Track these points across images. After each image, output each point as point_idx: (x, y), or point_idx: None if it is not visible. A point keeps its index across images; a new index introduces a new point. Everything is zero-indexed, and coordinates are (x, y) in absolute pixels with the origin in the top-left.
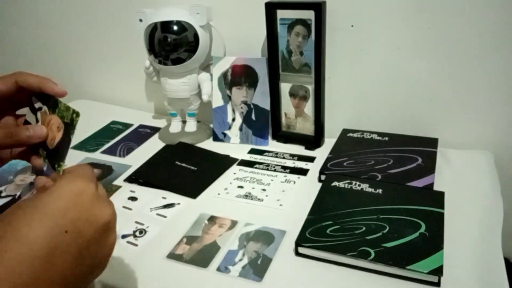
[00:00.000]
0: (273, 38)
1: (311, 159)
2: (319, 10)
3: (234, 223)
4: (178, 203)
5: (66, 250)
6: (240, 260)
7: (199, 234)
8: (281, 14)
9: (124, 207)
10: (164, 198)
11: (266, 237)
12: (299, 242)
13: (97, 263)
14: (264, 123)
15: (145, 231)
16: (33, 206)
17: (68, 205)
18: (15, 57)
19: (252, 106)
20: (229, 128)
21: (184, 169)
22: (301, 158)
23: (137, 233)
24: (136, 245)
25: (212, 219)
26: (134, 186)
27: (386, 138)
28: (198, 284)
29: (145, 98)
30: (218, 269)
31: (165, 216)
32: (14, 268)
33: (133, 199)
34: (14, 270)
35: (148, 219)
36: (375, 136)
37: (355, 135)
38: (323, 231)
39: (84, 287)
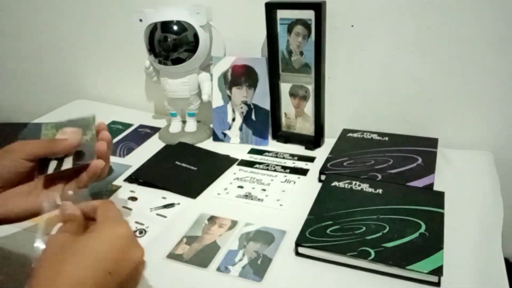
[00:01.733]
0: (273, 38)
1: (311, 159)
2: (319, 10)
3: (234, 223)
4: (178, 203)
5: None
6: (240, 260)
7: (199, 234)
8: (281, 14)
9: (124, 207)
10: (164, 198)
11: (266, 237)
12: (299, 242)
13: None
14: (264, 123)
15: (145, 231)
16: (82, 252)
17: (111, 248)
18: (16, 57)
19: (252, 106)
20: (229, 128)
21: (184, 169)
22: (301, 158)
23: (137, 233)
24: None
25: (212, 219)
26: (134, 186)
27: (386, 138)
28: (198, 284)
29: (145, 98)
30: (218, 269)
31: (165, 216)
32: None
33: (133, 199)
34: None
35: (148, 219)
36: (375, 136)
37: (355, 135)
38: (323, 231)
39: None
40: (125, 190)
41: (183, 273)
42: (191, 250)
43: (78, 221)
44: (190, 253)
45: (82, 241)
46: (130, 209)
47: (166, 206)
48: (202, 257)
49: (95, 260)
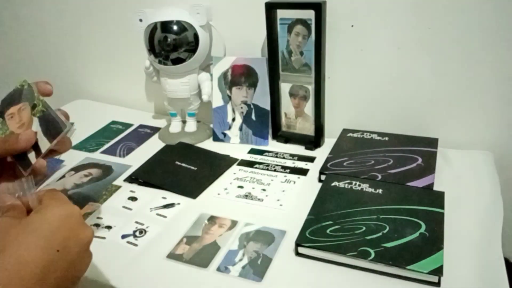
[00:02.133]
0: (273, 38)
1: (311, 159)
2: (319, 10)
3: (234, 223)
4: (178, 203)
5: (57, 266)
6: (240, 260)
7: (199, 234)
8: (281, 14)
9: (124, 207)
10: (164, 198)
11: (266, 237)
12: (299, 242)
13: (78, 277)
14: (264, 123)
15: (145, 231)
16: (29, 230)
17: (59, 227)
18: (15, 57)
19: (252, 106)
20: (229, 128)
21: (184, 169)
22: (301, 158)
23: (137, 233)
24: (136, 245)
25: (212, 219)
26: (134, 186)
27: (386, 138)
28: (198, 284)
29: (145, 98)
30: (218, 269)
31: (165, 216)
32: (13, 285)
33: (133, 199)
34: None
35: (148, 219)
36: (375, 136)
37: (355, 135)
38: (323, 231)
39: None
40: (125, 190)
41: (183, 273)
42: (191, 250)
43: (20, 208)
44: (190, 253)
45: (27, 220)
46: (130, 209)
47: (166, 206)
48: (202, 257)
49: (42, 238)
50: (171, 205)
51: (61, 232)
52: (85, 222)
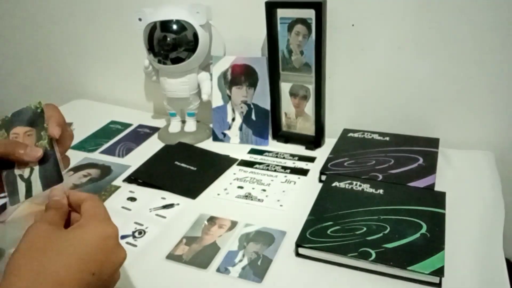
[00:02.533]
0: (273, 37)
1: (311, 159)
2: (320, 9)
3: (234, 224)
4: (178, 204)
5: None
6: (240, 261)
7: (198, 234)
8: (281, 13)
9: (123, 207)
10: (163, 198)
11: (266, 237)
12: (300, 243)
13: None
14: (264, 123)
15: (144, 232)
16: (67, 249)
17: (97, 249)
18: (15, 57)
19: (252, 106)
20: (229, 128)
21: (184, 169)
22: (302, 158)
23: (136, 234)
24: (135, 245)
25: (212, 220)
26: (133, 187)
27: (387, 138)
28: (197, 285)
29: (145, 98)
30: (218, 270)
31: (164, 217)
32: None
33: (132, 199)
34: None
35: (148, 220)
36: (376, 136)
37: (355, 135)
38: (324, 232)
39: None
40: (124, 190)
41: (183, 274)
42: (191, 251)
43: (63, 211)
44: (190, 254)
45: (67, 237)
46: (129, 209)
47: (166, 207)
48: (201, 258)
49: (80, 260)
50: (170, 206)
51: (98, 255)
52: (120, 243)
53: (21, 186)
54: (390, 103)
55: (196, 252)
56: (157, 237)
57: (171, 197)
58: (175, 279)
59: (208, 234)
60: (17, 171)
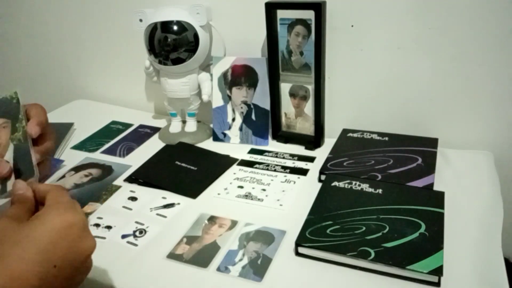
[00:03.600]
0: (273, 38)
1: (311, 159)
2: (319, 10)
3: (234, 223)
4: (178, 203)
5: (52, 282)
6: (240, 260)
7: (199, 234)
8: (281, 14)
9: (124, 207)
10: (164, 198)
11: (266, 237)
12: (299, 242)
13: (75, 286)
14: (264, 123)
15: (145, 231)
16: (28, 242)
17: (59, 238)
18: (15, 57)
19: (252, 106)
20: (229, 128)
21: (184, 169)
22: (301, 158)
23: (137, 233)
24: (136, 245)
25: (212, 219)
26: (134, 186)
27: (386, 138)
28: (198, 284)
29: (145, 98)
30: (218, 269)
31: (165, 216)
32: None
33: (133, 199)
34: None
35: (148, 219)
36: (375, 136)
37: (355, 135)
38: (323, 231)
39: None
40: (125, 190)
41: (183, 273)
42: (191, 250)
43: (28, 204)
44: (190, 253)
45: (26, 229)
46: (130, 209)
47: (166, 206)
48: (202, 257)
49: (39, 252)
50: (171, 205)
51: (61, 246)
52: (89, 231)
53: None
54: (389, 103)
55: (197, 251)
56: (157, 237)
57: (171, 197)
58: (176, 278)
59: (209, 234)
60: None
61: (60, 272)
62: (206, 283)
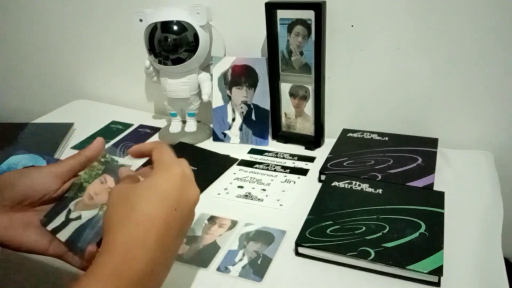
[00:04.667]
0: (273, 38)
1: (311, 159)
2: (319, 10)
3: (234, 223)
4: None
5: (174, 226)
6: (240, 260)
7: (199, 234)
8: (281, 14)
9: None
10: None
11: (266, 237)
12: (299, 242)
13: (185, 235)
14: (264, 123)
15: None
16: (150, 190)
17: (173, 186)
18: (15, 57)
19: (252, 106)
20: (229, 128)
21: None
22: (301, 158)
23: None
24: None
25: (212, 219)
26: None
27: (386, 138)
28: (198, 284)
29: (145, 98)
30: (218, 269)
31: None
32: (149, 240)
33: None
34: (135, 253)
35: None
36: (375, 136)
37: (355, 135)
38: (323, 231)
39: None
40: None
41: (183, 273)
42: (191, 250)
43: (135, 177)
44: (190, 253)
45: (146, 182)
46: None
47: None
48: (202, 257)
49: (163, 197)
50: None
51: (176, 192)
52: (193, 181)
53: (59, 219)
54: (389, 103)
55: (197, 251)
56: None
57: None
58: (176, 278)
59: (209, 234)
60: (72, 205)
61: (178, 215)
62: (206, 283)
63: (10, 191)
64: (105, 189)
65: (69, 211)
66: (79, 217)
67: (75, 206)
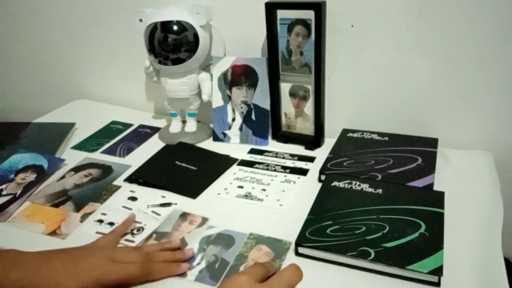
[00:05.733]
0: (273, 38)
1: (311, 159)
2: (319, 10)
3: (204, 220)
4: (176, 203)
5: None
6: (198, 263)
7: (168, 230)
8: (281, 14)
9: (124, 206)
10: (163, 197)
11: (227, 240)
12: (299, 242)
13: None
14: (264, 123)
15: (143, 229)
16: None
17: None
18: (16, 57)
19: (252, 106)
20: (229, 128)
21: (184, 169)
22: (301, 158)
23: (135, 231)
24: (133, 241)
25: (183, 216)
26: (134, 186)
27: (386, 138)
28: None
29: (145, 98)
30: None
31: (159, 214)
32: None
33: (133, 199)
34: None
35: (145, 217)
36: (375, 136)
37: (355, 135)
38: (323, 231)
39: None
40: (125, 190)
41: None
42: None
43: (266, 270)
44: None
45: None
46: (130, 208)
47: (163, 205)
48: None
49: None
50: (168, 204)
51: None
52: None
53: None
54: (389, 103)
55: None
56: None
57: (171, 196)
58: None
59: (178, 230)
60: None
61: None
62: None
63: None
64: None
65: None
66: None
67: None
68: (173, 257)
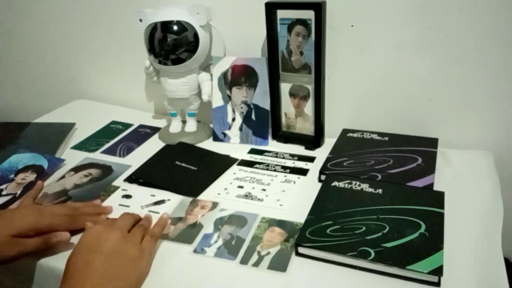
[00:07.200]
0: (273, 38)
1: (311, 159)
2: (319, 10)
3: (215, 205)
4: (169, 199)
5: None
6: (215, 242)
7: (182, 215)
8: (281, 14)
9: (120, 205)
10: (153, 195)
11: (239, 220)
12: (299, 242)
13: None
14: (264, 123)
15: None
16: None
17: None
18: (16, 57)
19: (252, 106)
20: (229, 128)
21: (184, 169)
22: (301, 158)
23: None
24: None
25: (194, 201)
26: (134, 186)
27: (386, 138)
28: (179, 263)
29: (145, 98)
30: (195, 251)
31: (157, 212)
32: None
33: (127, 196)
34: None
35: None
36: (375, 136)
37: (355, 135)
38: (323, 231)
39: None
40: (125, 190)
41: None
42: (176, 229)
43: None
44: (176, 232)
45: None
46: (128, 206)
47: (156, 204)
48: (186, 235)
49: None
50: (161, 202)
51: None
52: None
53: None
54: (389, 103)
55: (181, 230)
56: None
57: (172, 196)
58: (162, 256)
59: (192, 214)
60: None
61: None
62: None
63: None
64: None
65: None
66: None
67: None
68: (96, 209)
